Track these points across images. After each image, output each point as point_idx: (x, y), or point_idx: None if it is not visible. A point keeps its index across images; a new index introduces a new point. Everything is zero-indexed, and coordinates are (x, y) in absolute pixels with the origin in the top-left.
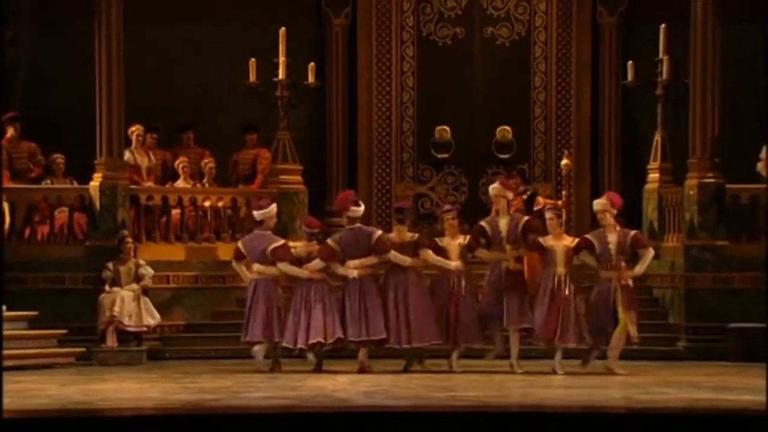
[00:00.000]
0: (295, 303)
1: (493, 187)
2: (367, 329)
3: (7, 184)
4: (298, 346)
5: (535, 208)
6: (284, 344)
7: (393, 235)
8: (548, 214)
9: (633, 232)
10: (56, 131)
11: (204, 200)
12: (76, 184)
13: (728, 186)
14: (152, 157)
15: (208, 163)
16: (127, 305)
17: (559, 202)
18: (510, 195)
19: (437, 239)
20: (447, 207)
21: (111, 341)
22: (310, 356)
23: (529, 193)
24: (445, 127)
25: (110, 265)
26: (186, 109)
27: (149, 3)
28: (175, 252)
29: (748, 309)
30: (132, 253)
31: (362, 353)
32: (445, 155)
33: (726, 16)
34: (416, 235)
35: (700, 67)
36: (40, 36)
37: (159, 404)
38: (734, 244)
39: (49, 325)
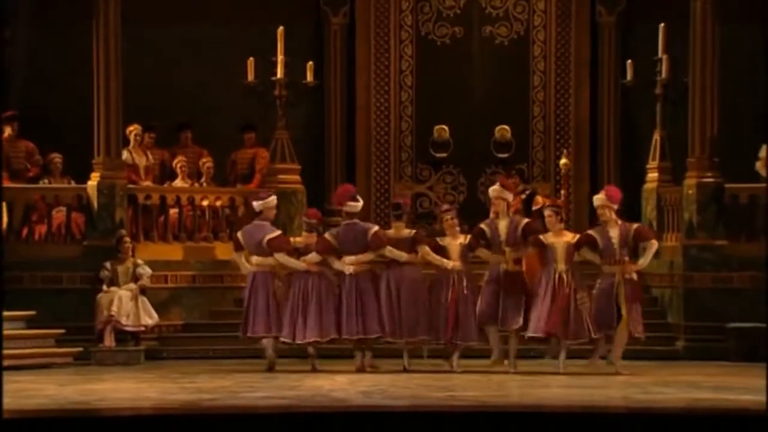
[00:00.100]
0: (293, 295)
1: (493, 189)
2: (363, 328)
3: (5, 183)
4: (297, 342)
5: (534, 208)
6: (283, 339)
7: (391, 232)
8: (547, 212)
9: (635, 225)
10: (54, 131)
11: (202, 200)
12: (73, 184)
13: (727, 185)
14: (150, 157)
15: (206, 162)
16: (125, 305)
17: (558, 201)
18: (510, 197)
19: (438, 239)
20: (446, 207)
21: (109, 341)
22: (311, 349)
23: (528, 192)
24: (444, 127)
25: (108, 264)
26: (184, 109)
27: (147, 3)
28: (173, 252)
29: (747, 308)
30: (130, 253)
31: (368, 356)
32: (444, 154)
33: (725, 15)
34: (414, 231)
35: (699, 66)
36: (38, 36)
37: (157, 404)
38: (733, 243)
39: (46, 325)
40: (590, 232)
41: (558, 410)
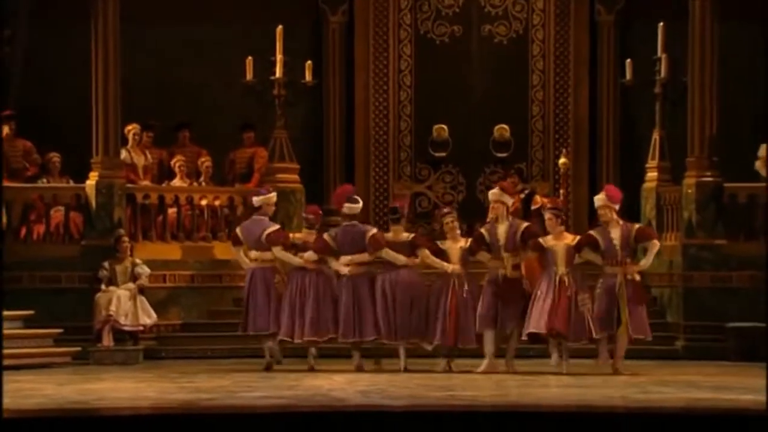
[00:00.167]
0: (290, 292)
1: (493, 193)
2: (360, 331)
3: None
4: (296, 341)
5: (533, 207)
6: (281, 338)
7: (389, 235)
8: (547, 215)
9: (637, 226)
10: (52, 130)
11: (201, 199)
12: (72, 183)
13: (726, 185)
14: (149, 156)
15: (205, 161)
16: (124, 304)
17: (558, 201)
18: (509, 201)
19: (438, 242)
20: (446, 210)
21: (107, 341)
22: (313, 350)
23: (526, 192)
24: (443, 126)
25: (106, 264)
26: (183, 108)
27: (146, 2)
28: (172, 251)
29: (746, 308)
30: (128, 252)
31: (356, 356)
32: (443, 154)
33: (724, 15)
34: (412, 234)
35: (698, 66)
36: (37, 35)
37: (155, 404)
38: (732, 242)
39: (45, 325)
40: (591, 232)
41: (557, 410)
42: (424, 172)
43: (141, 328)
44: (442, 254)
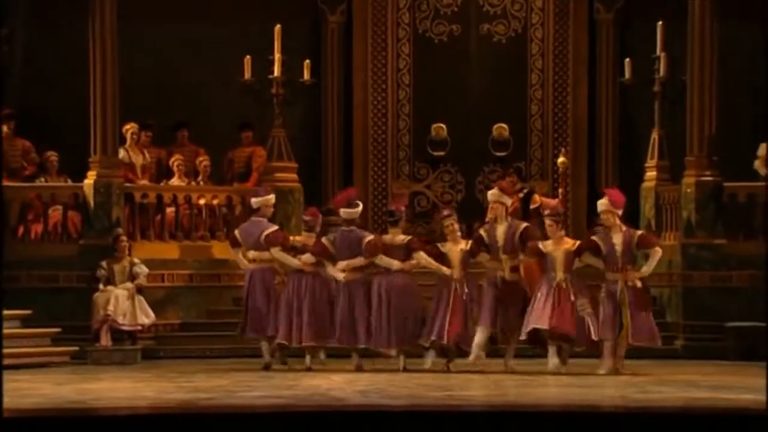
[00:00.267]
0: (287, 294)
1: (492, 193)
2: (354, 337)
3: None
4: (294, 345)
5: (532, 207)
6: (279, 341)
7: (387, 237)
8: (548, 221)
9: (639, 232)
10: (50, 129)
11: (199, 198)
12: (70, 182)
13: (726, 184)
14: (147, 155)
15: (203, 161)
16: (122, 304)
17: (556, 200)
18: (508, 202)
19: (439, 245)
20: (446, 212)
21: (105, 340)
22: (315, 353)
23: (525, 191)
24: (442, 125)
25: (104, 263)
26: (181, 107)
27: (144, 1)
28: (170, 250)
29: (745, 307)
30: (126, 252)
31: (355, 356)
32: (442, 153)
33: (724, 14)
34: (408, 237)
35: (697, 65)
36: (34, 34)
37: (153, 403)
38: (732, 242)
39: (43, 324)
40: (594, 237)
41: (556, 409)
42: (423, 172)
43: (139, 327)
44: (442, 257)
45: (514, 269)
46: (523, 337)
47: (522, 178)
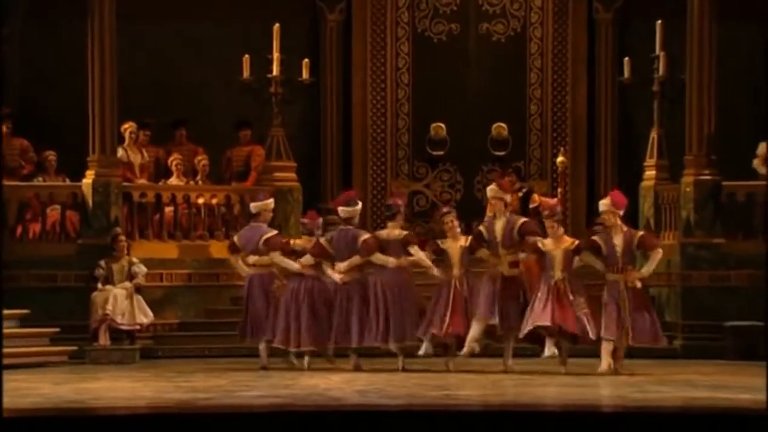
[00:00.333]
0: (286, 298)
1: (490, 189)
2: (348, 337)
3: None
4: (291, 349)
5: (531, 206)
6: (276, 345)
7: (384, 232)
8: (548, 223)
9: (640, 233)
10: (49, 128)
11: (197, 197)
12: (68, 182)
13: (725, 183)
14: (145, 154)
15: (202, 160)
16: (120, 303)
17: (555, 200)
18: (507, 197)
19: (439, 241)
20: (446, 209)
21: (104, 340)
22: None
23: (524, 190)
24: (441, 124)
25: (103, 263)
26: (179, 106)
27: (143, 0)
28: (169, 250)
29: (744, 307)
30: (125, 251)
31: (353, 355)
32: (441, 152)
33: (723, 15)
34: (405, 233)
35: (696, 64)
36: (33, 33)
37: (152, 403)
38: (731, 241)
39: (41, 324)
40: (595, 237)
41: (554, 409)
42: (422, 171)
43: (138, 327)
44: (442, 254)
45: (513, 264)
46: (522, 336)
47: (521, 178)
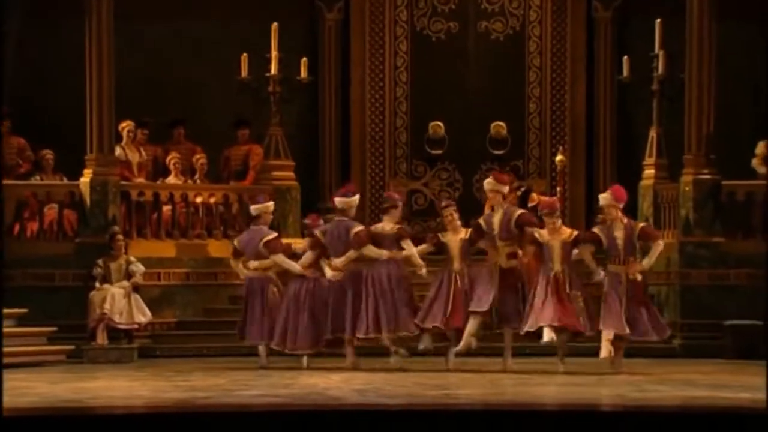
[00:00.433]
0: (287, 299)
1: (488, 182)
2: (343, 327)
3: None
4: (288, 351)
5: (530, 205)
6: (273, 347)
7: (378, 226)
8: (547, 220)
9: (640, 225)
10: (46, 127)
11: (195, 196)
12: (66, 180)
13: (724, 182)
14: (143, 153)
15: (200, 159)
16: (118, 302)
17: (552, 201)
18: (505, 189)
19: (440, 234)
20: (446, 202)
21: (101, 339)
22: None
23: (523, 189)
24: (439, 123)
25: (101, 262)
26: (177, 105)
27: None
28: (166, 249)
29: (744, 306)
30: (123, 250)
31: (350, 354)
32: (439, 151)
33: (722, 14)
34: (397, 226)
35: (695, 63)
36: (30, 32)
37: (150, 402)
38: (730, 240)
39: (38, 323)
40: (595, 230)
41: (553, 408)
42: (420, 169)
43: (135, 326)
44: (443, 247)
45: (511, 256)
46: (522, 332)
47: (519, 177)
